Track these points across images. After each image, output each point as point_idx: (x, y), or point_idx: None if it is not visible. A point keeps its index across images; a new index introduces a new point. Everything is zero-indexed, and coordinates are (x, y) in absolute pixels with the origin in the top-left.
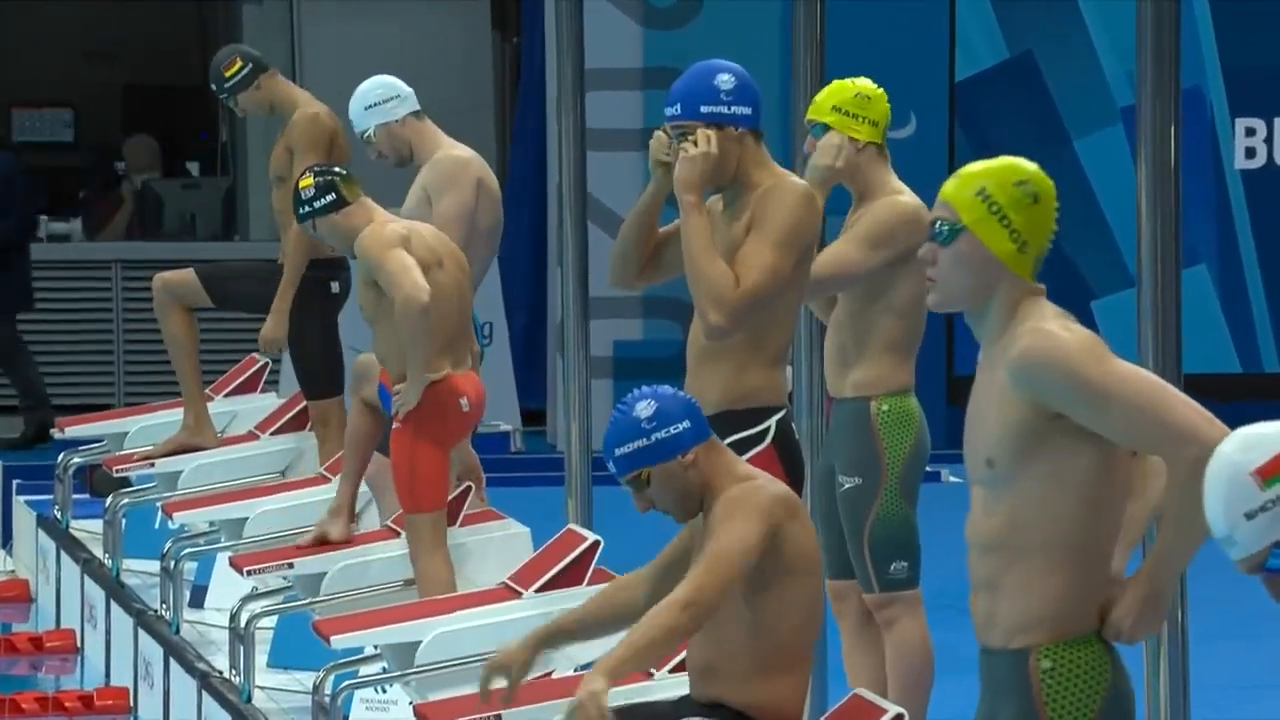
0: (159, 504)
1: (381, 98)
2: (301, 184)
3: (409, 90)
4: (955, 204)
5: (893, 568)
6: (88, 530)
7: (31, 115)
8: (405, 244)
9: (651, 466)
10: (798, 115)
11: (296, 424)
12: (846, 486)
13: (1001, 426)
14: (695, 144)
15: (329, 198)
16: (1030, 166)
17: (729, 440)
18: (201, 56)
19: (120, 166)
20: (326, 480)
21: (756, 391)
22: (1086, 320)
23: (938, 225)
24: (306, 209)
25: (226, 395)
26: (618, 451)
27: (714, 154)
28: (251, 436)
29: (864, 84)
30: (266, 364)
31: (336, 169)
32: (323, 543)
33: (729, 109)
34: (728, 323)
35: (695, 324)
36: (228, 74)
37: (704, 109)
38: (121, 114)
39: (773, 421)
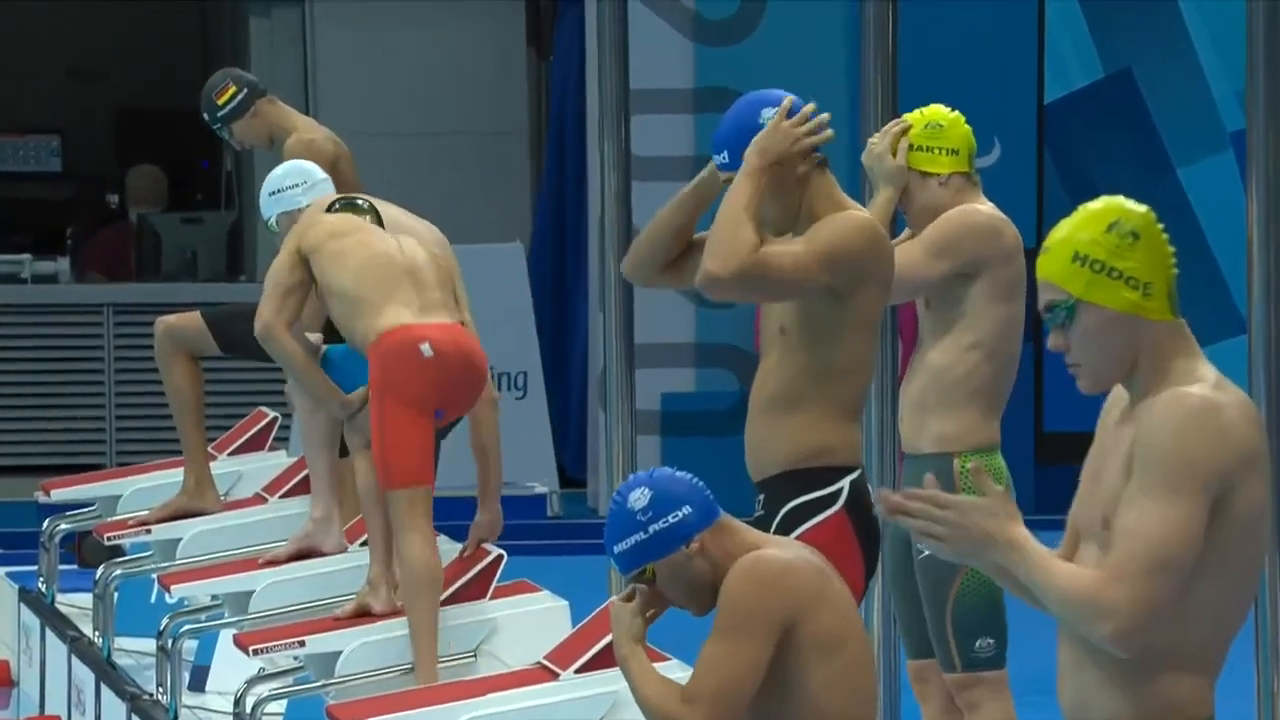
0: (155, 575)
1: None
2: None
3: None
4: (1056, 280)
5: (978, 645)
6: (76, 605)
7: (14, 143)
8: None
9: (654, 561)
10: (867, 139)
11: (308, 486)
12: (926, 554)
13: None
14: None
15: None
16: (1116, 203)
17: (795, 503)
18: (204, 75)
19: (113, 199)
20: (343, 548)
21: (829, 448)
22: None
23: (1052, 309)
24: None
25: (231, 454)
26: (616, 549)
27: (810, 141)
28: (258, 500)
29: (935, 111)
30: (275, 419)
31: (355, 198)
32: (364, 616)
33: None
34: (726, 276)
35: (761, 370)
36: (220, 100)
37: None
38: (114, 141)
39: (846, 482)
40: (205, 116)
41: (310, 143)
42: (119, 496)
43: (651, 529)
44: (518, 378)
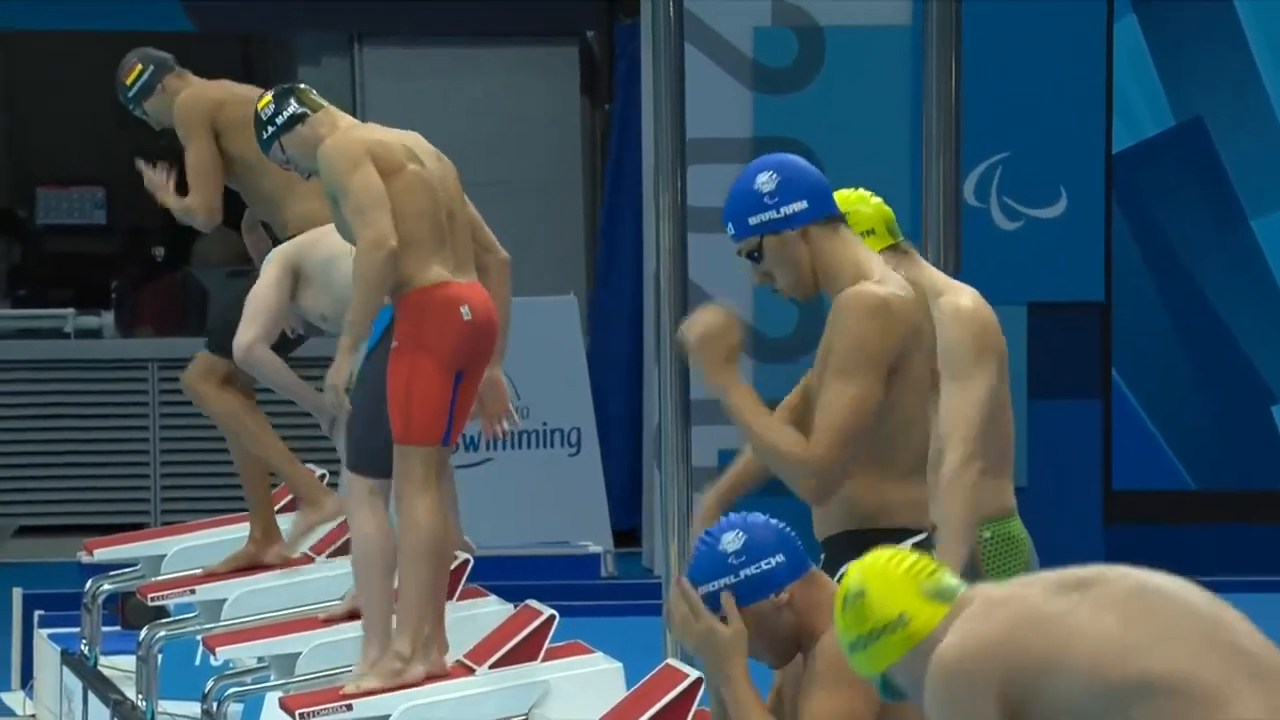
0: (200, 637)
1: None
2: (260, 104)
3: None
4: (863, 673)
5: None
6: (119, 668)
7: (58, 195)
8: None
9: (740, 608)
10: (929, 190)
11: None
12: None
13: None
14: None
15: (290, 104)
16: (841, 582)
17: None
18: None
19: (158, 252)
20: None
21: (886, 509)
22: (1266, 427)
23: (883, 693)
24: (269, 130)
25: (278, 510)
26: (701, 590)
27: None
28: (305, 559)
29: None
30: (323, 476)
31: (298, 86)
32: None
33: (777, 211)
34: (820, 482)
35: None
36: (129, 81)
37: (752, 220)
38: None
39: (907, 546)
40: (121, 101)
41: (189, 94)
42: (163, 556)
43: (743, 573)
44: (571, 434)
